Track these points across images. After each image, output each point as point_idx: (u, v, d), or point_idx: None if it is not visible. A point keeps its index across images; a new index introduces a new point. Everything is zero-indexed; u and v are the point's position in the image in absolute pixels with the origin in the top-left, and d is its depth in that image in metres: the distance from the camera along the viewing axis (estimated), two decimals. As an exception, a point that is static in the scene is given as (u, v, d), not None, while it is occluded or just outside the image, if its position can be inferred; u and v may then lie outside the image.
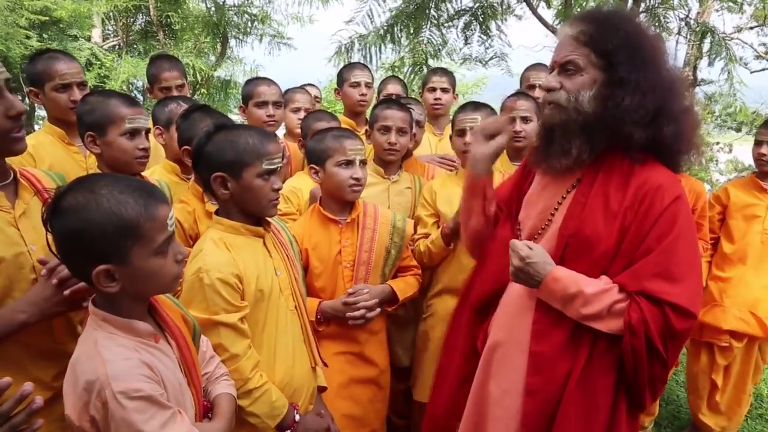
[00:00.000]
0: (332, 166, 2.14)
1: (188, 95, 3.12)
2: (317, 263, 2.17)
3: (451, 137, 2.57)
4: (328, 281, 2.19)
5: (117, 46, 11.53)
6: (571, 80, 1.53)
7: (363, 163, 2.18)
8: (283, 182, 2.38)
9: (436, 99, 3.42)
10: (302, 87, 3.78)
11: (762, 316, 2.95)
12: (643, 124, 1.47)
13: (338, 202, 2.20)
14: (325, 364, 1.97)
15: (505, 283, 1.72)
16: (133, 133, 1.96)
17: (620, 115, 1.47)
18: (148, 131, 2.05)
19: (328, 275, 2.18)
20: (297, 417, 1.73)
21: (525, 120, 2.81)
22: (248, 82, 3.10)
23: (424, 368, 2.49)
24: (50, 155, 2.35)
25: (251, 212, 1.72)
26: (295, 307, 1.81)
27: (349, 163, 2.13)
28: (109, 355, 1.12)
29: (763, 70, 9.77)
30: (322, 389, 1.96)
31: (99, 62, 10.24)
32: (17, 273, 1.45)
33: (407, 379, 2.60)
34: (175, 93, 2.94)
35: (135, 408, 1.09)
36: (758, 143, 3.00)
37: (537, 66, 3.05)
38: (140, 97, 11.40)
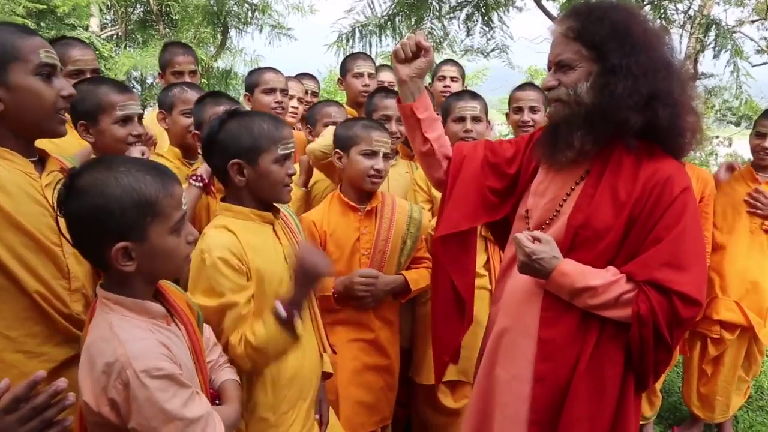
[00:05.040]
0: (356, 153, 2.16)
1: (199, 83, 3.09)
2: (334, 249, 2.18)
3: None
4: (345, 268, 2.19)
5: (115, 36, 11.47)
6: (566, 76, 1.55)
7: (386, 156, 2.20)
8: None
9: (445, 87, 3.46)
10: (300, 75, 3.77)
11: (747, 306, 2.96)
12: (637, 109, 1.48)
13: (357, 190, 2.22)
14: (334, 351, 1.95)
15: (466, 228, 1.81)
16: (126, 120, 1.94)
17: (615, 101, 1.48)
18: (141, 117, 2.02)
19: (345, 262, 2.19)
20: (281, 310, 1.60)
21: (533, 110, 2.81)
22: (253, 71, 3.07)
23: (427, 351, 2.44)
24: (69, 145, 2.34)
25: (265, 198, 1.71)
26: None
27: (372, 154, 2.16)
28: (126, 335, 1.11)
29: (764, 64, 9.78)
30: (327, 375, 1.94)
31: (97, 52, 10.18)
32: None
33: (406, 363, 2.58)
34: (187, 78, 2.93)
35: (158, 387, 1.08)
36: (760, 135, 2.97)
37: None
38: (138, 87, 11.34)
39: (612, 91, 1.48)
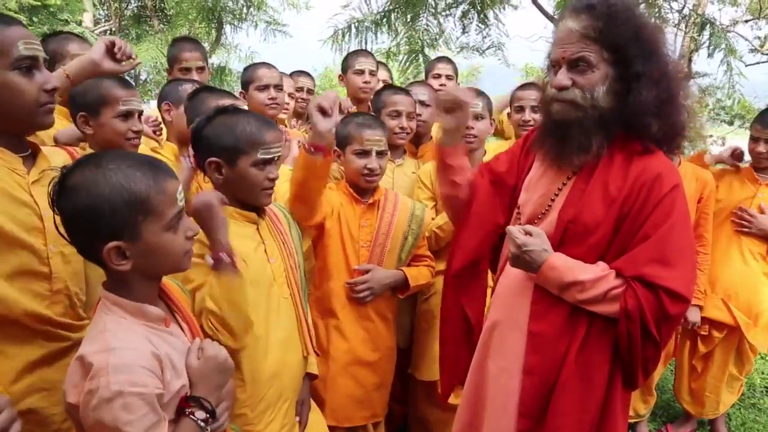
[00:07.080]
0: (350, 153, 2.20)
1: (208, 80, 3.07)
2: (333, 227, 2.20)
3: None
4: (343, 258, 2.22)
5: (109, 31, 11.39)
6: (583, 77, 1.50)
7: (380, 153, 2.20)
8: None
9: (441, 85, 3.48)
10: (297, 72, 3.76)
11: (735, 305, 2.97)
12: (657, 114, 1.49)
13: (355, 187, 2.25)
14: (317, 353, 1.95)
15: (481, 255, 1.81)
16: (127, 115, 1.96)
17: (640, 108, 1.48)
18: (140, 113, 2.03)
19: (344, 252, 2.22)
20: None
21: (534, 109, 2.79)
22: (248, 67, 3.07)
23: (427, 347, 2.48)
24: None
25: (244, 199, 1.69)
26: (290, 295, 1.78)
27: (365, 153, 2.18)
28: (116, 342, 1.07)
29: (758, 63, 9.84)
30: (312, 377, 1.93)
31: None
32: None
33: (404, 362, 2.59)
34: (195, 75, 2.89)
35: (124, 404, 1.02)
36: (755, 140, 2.96)
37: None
38: (132, 83, 11.28)
39: (637, 98, 1.47)
